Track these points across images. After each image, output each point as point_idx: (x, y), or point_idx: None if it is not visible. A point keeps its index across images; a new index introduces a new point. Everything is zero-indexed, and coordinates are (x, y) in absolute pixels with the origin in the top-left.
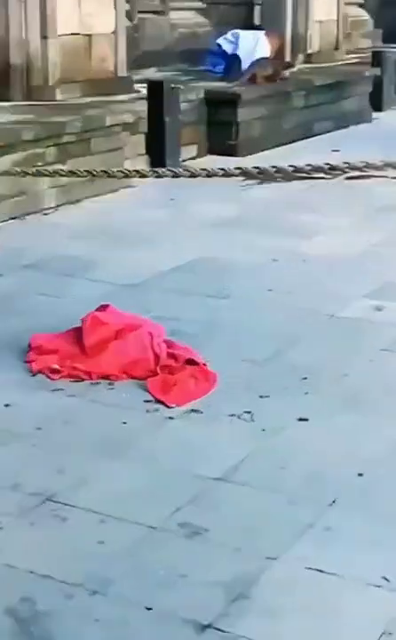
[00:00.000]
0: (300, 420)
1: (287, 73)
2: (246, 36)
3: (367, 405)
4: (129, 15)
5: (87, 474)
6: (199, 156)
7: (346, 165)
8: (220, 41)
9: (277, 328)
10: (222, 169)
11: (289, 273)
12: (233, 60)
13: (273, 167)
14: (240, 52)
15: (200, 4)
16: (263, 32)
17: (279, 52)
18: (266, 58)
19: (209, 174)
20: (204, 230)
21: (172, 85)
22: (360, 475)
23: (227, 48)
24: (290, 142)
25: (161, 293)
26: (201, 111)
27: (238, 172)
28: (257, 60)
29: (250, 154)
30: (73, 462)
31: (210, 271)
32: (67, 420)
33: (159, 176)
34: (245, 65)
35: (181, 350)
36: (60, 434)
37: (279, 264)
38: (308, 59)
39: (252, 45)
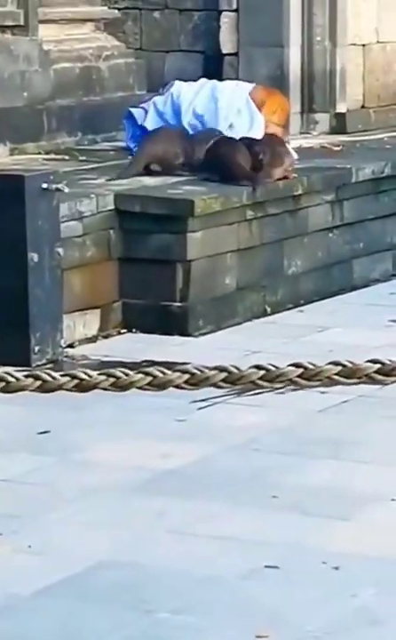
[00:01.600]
0: None
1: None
2: (198, 97)
3: None
4: None
5: None
6: (104, 334)
7: None
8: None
9: None
10: (149, 371)
11: (301, 598)
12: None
13: (258, 368)
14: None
15: (104, 10)
16: (250, 86)
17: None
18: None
19: (122, 383)
20: (111, 499)
21: (45, 184)
22: None
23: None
24: (302, 304)
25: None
26: (108, 238)
27: (184, 377)
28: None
29: (214, 330)
30: None
31: (124, 593)
32: None
33: (8, 388)
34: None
35: None
36: None
37: (280, 575)
38: (339, 123)
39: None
